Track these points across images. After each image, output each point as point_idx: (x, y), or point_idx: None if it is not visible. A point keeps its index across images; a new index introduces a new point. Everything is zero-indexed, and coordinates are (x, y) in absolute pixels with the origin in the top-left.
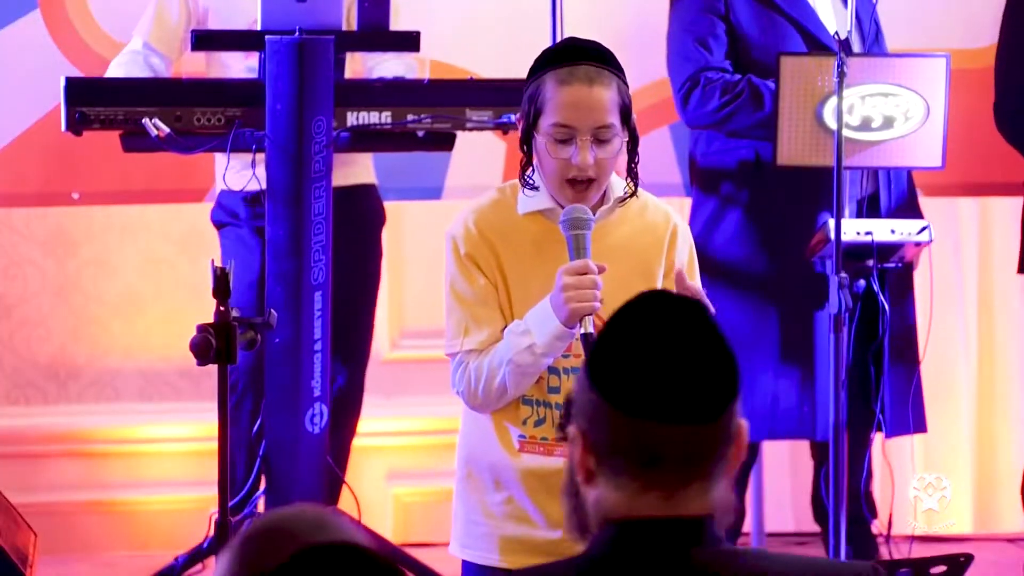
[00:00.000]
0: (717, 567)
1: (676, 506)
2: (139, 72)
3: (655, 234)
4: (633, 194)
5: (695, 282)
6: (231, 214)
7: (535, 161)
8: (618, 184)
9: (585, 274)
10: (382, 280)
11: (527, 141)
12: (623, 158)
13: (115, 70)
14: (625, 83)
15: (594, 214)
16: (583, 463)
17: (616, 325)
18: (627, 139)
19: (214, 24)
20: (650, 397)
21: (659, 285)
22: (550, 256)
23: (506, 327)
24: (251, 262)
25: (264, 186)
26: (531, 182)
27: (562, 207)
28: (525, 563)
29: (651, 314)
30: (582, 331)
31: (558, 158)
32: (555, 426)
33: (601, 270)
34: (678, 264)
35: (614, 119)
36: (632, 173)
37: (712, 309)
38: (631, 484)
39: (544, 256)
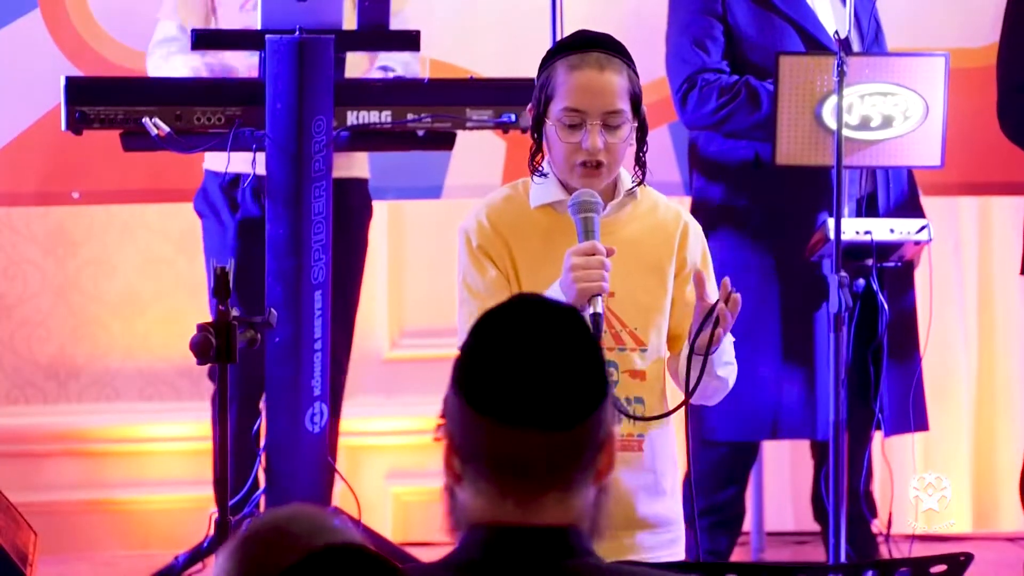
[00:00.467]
0: None
1: (533, 514)
2: (194, 63)
3: (665, 231)
4: (641, 182)
5: (710, 282)
6: (209, 204)
7: (545, 149)
8: (628, 179)
9: (593, 255)
10: (382, 280)
11: (537, 129)
12: (631, 151)
13: (174, 66)
14: (636, 73)
15: (604, 206)
16: (449, 465)
17: (482, 327)
18: (636, 127)
19: None
20: (506, 401)
21: (670, 282)
22: (561, 248)
23: None
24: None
25: (251, 170)
26: (540, 169)
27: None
28: None
29: (518, 318)
30: (591, 311)
31: (568, 142)
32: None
33: (610, 252)
34: (691, 262)
35: (624, 105)
36: (640, 162)
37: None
38: (489, 489)
39: (555, 248)
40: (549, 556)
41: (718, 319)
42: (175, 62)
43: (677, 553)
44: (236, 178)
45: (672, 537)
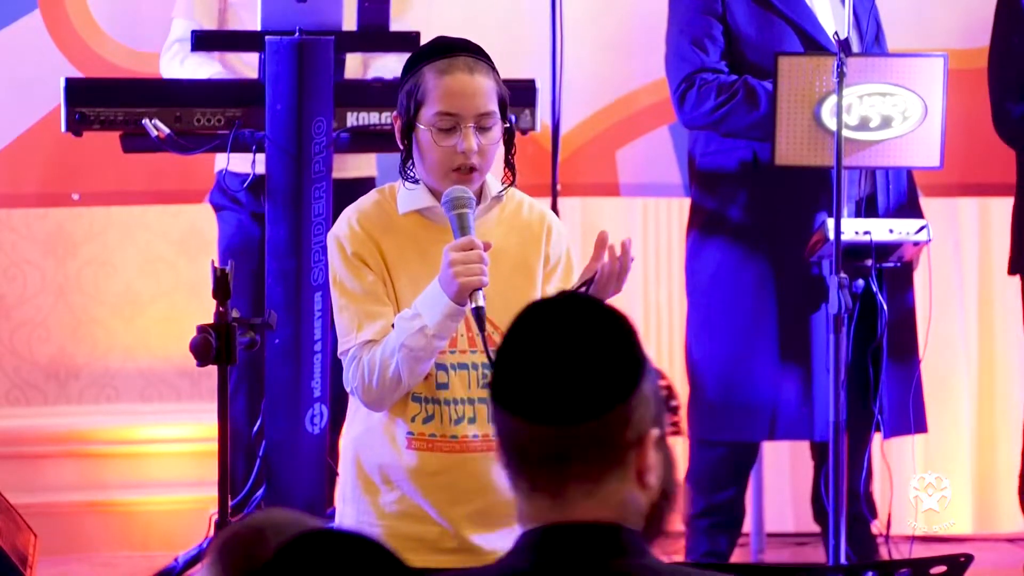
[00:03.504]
0: None
1: (565, 508)
2: (209, 69)
3: (532, 231)
4: (511, 184)
5: (573, 274)
6: (231, 198)
7: (415, 155)
8: (494, 184)
9: (471, 249)
10: None
11: (407, 136)
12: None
13: (188, 70)
14: (499, 76)
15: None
16: (502, 463)
17: (515, 328)
18: (505, 129)
19: None
20: (518, 395)
21: (539, 280)
22: (432, 251)
23: None
24: (251, 250)
25: (261, 170)
26: (411, 175)
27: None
28: (421, 560)
29: (547, 317)
30: (473, 305)
31: (443, 147)
32: (451, 422)
33: (487, 247)
34: (555, 257)
35: (494, 107)
36: (510, 165)
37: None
38: (523, 485)
39: (426, 251)
40: (597, 555)
41: (588, 284)
42: (189, 66)
43: None
44: (261, 176)
45: None
